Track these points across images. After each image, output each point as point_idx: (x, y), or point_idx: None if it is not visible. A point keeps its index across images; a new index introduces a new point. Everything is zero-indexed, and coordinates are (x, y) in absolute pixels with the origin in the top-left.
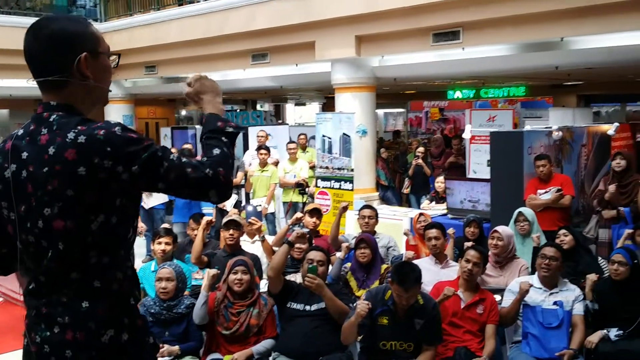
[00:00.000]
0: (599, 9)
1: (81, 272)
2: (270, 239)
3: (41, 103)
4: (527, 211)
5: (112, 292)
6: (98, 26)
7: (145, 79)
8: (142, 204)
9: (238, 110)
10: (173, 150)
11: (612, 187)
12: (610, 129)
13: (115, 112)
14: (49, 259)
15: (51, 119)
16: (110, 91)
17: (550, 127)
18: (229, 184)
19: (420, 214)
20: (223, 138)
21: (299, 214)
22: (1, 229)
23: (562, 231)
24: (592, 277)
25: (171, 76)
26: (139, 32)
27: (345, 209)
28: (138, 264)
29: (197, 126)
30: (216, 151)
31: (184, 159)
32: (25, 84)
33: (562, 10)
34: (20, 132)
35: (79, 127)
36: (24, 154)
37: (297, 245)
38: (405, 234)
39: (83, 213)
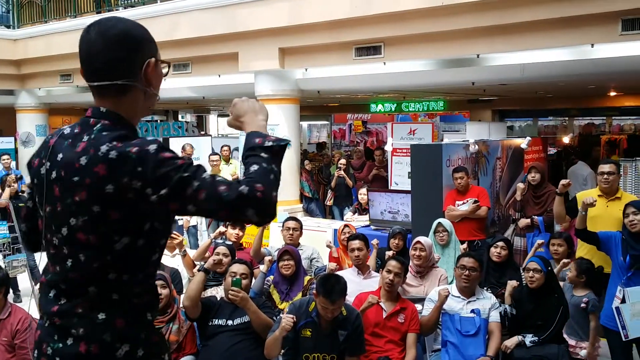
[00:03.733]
0: (512, 27)
1: (99, 286)
2: (191, 253)
3: (92, 107)
4: (445, 222)
5: (131, 306)
6: (11, 33)
7: (60, 88)
8: None
9: (159, 121)
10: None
11: (521, 184)
12: (523, 142)
13: (28, 122)
14: (69, 268)
15: (95, 127)
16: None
17: (467, 141)
18: (268, 200)
19: (345, 225)
20: (262, 154)
21: (222, 228)
22: (35, 214)
23: (500, 244)
24: (512, 283)
25: (87, 85)
26: (54, 39)
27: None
28: None
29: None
30: (254, 167)
31: (218, 177)
32: None
33: (477, 28)
34: (67, 130)
35: (115, 142)
36: (60, 156)
37: (219, 258)
38: (328, 246)
39: (107, 232)
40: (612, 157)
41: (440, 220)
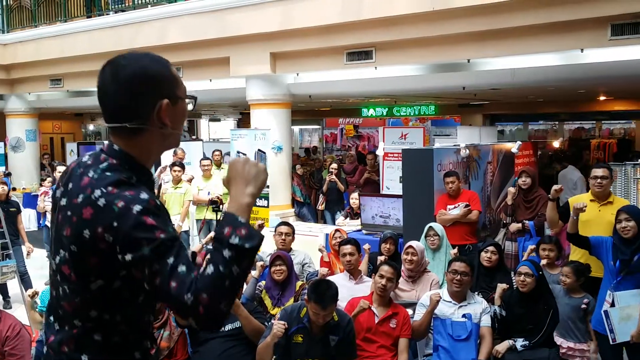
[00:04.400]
0: (503, 32)
1: (83, 321)
2: None
3: (109, 142)
4: (437, 226)
5: (114, 345)
6: (0, 37)
7: (50, 92)
8: None
9: None
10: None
11: (512, 189)
12: (513, 147)
13: (18, 127)
14: (61, 296)
15: (101, 166)
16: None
17: (458, 145)
18: (212, 314)
19: (336, 230)
20: (225, 251)
21: (213, 234)
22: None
23: (491, 248)
24: (502, 285)
25: (78, 90)
26: (44, 44)
27: (260, 226)
28: None
29: (106, 142)
30: (209, 270)
31: (180, 268)
32: None
33: (468, 33)
34: (85, 158)
35: (110, 188)
36: (70, 185)
37: None
38: (319, 250)
39: (83, 272)
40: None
41: (432, 224)
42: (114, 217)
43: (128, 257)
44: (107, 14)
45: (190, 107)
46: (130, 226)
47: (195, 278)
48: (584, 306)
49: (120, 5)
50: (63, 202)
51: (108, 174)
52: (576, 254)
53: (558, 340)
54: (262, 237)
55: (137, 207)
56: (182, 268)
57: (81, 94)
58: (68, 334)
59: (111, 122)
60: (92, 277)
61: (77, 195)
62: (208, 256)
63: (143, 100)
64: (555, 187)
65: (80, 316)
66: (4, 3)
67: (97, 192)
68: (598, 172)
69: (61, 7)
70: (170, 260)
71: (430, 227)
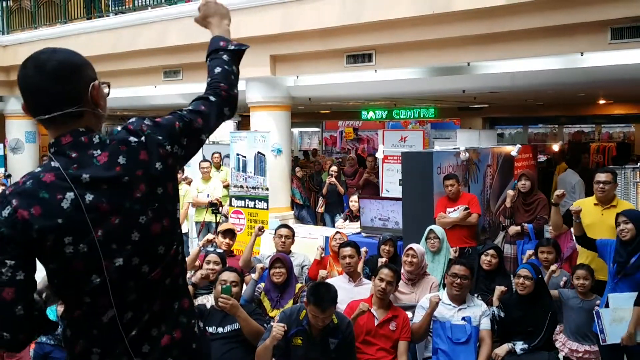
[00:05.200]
0: (502, 36)
1: (172, 277)
2: None
3: (66, 133)
4: (437, 229)
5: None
6: (0, 39)
7: None
8: None
9: None
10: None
11: (510, 191)
12: (513, 150)
13: (17, 128)
14: (142, 277)
15: (95, 140)
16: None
17: (458, 148)
18: (233, 96)
19: (337, 232)
20: (224, 56)
21: (210, 235)
22: (59, 272)
23: (491, 252)
24: (500, 287)
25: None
26: (44, 45)
27: (261, 230)
28: None
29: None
30: (217, 69)
31: (190, 106)
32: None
33: (468, 36)
34: (55, 164)
35: (129, 130)
36: (85, 177)
37: (211, 266)
38: (318, 249)
39: (173, 207)
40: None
41: (433, 227)
42: (157, 134)
43: (185, 140)
44: (107, 16)
45: (106, 91)
46: (167, 127)
47: (205, 94)
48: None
49: (120, 7)
50: (89, 197)
51: (107, 136)
52: (584, 257)
53: (573, 345)
54: (249, 45)
55: (147, 120)
56: (190, 107)
57: None
58: (162, 297)
59: (49, 114)
60: (178, 205)
61: (114, 165)
62: (210, 64)
63: (76, 84)
64: (557, 192)
65: (170, 271)
66: (4, 5)
67: (132, 139)
68: (601, 177)
69: (61, 8)
70: (184, 113)
71: (431, 229)
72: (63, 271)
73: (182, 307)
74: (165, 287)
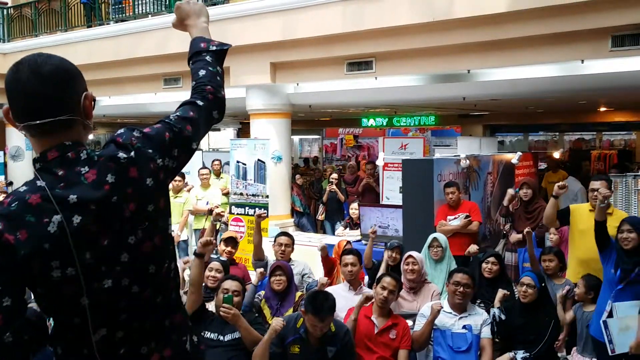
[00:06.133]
0: (503, 43)
1: (163, 293)
2: (180, 266)
3: (51, 148)
4: (440, 237)
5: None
6: (1, 47)
7: None
8: None
9: None
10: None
11: (511, 190)
12: (513, 157)
13: (17, 136)
14: (133, 297)
15: (82, 156)
16: None
17: (459, 156)
18: (221, 98)
19: (347, 242)
20: (207, 57)
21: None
22: (46, 296)
23: (492, 259)
24: (503, 290)
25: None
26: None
27: (260, 217)
28: None
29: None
30: (202, 72)
31: (177, 113)
32: None
33: (468, 43)
34: (40, 183)
35: (116, 146)
36: (72, 198)
37: (213, 274)
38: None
39: (164, 223)
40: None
41: (436, 235)
42: (147, 147)
43: (176, 151)
44: (108, 24)
45: (93, 104)
46: (158, 139)
47: (192, 99)
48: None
49: (120, 15)
50: (77, 220)
51: (97, 152)
52: (576, 249)
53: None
54: (231, 45)
55: (136, 132)
56: (177, 112)
57: None
58: (154, 315)
59: (40, 118)
60: (170, 221)
61: (102, 183)
62: (193, 67)
63: (71, 92)
64: (559, 184)
65: (163, 289)
66: (5, 12)
67: (121, 155)
68: (595, 184)
69: (62, 16)
70: (172, 118)
71: (435, 237)
72: (51, 295)
73: (174, 323)
74: (157, 304)
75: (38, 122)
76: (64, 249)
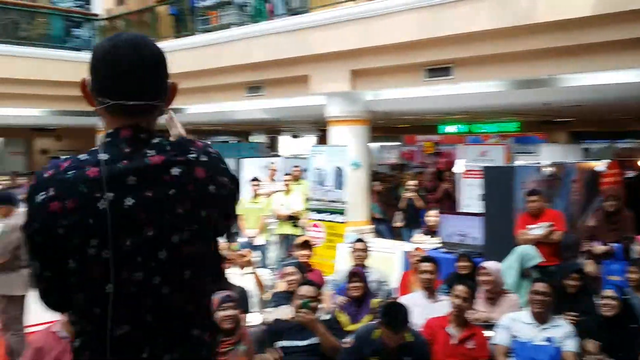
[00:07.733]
0: (587, 48)
1: (195, 304)
2: (260, 272)
3: (125, 126)
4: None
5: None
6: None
7: None
8: None
9: (237, 142)
10: None
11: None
12: (599, 165)
13: None
14: (161, 298)
15: (154, 141)
16: None
17: (541, 163)
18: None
19: (417, 249)
20: None
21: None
22: (75, 273)
23: (574, 275)
24: (592, 341)
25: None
26: None
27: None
28: None
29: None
30: None
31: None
32: (17, 113)
33: (551, 48)
34: (104, 156)
35: (196, 145)
36: (131, 179)
37: (290, 277)
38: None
39: (211, 235)
40: None
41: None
42: (220, 162)
43: (233, 187)
44: (194, 34)
45: None
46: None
47: None
48: None
49: (205, 26)
50: (129, 202)
51: (170, 141)
52: None
53: None
54: None
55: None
56: None
57: (172, 111)
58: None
59: (134, 100)
60: (217, 237)
61: (164, 173)
62: None
63: (164, 77)
64: None
65: (196, 299)
66: (97, 25)
67: (193, 154)
68: None
69: (151, 27)
70: None
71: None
72: (81, 272)
73: (203, 338)
74: (186, 312)
75: (131, 103)
76: (107, 229)
